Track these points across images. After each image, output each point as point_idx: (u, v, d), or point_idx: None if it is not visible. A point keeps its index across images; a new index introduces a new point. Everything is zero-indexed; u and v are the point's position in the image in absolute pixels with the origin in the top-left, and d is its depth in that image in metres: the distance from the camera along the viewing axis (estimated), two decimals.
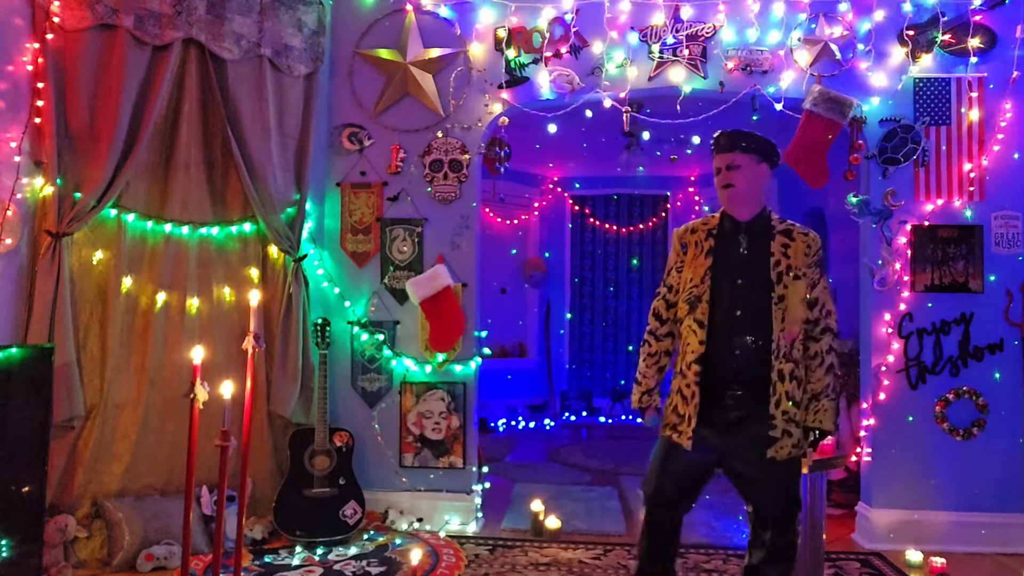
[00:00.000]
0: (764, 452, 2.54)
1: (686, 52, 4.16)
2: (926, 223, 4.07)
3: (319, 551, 3.76)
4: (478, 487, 4.32)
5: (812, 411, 2.63)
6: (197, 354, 2.13)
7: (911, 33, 4.06)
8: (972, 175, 4.06)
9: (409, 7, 4.32)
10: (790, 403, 2.56)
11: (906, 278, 4.08)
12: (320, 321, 4.04)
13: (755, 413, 2.55)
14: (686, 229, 2.78)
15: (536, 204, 8.50)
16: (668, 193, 8.58)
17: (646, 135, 5.17)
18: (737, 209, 2.67)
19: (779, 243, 2.63)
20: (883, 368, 4.08)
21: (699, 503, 2.79)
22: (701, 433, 2.58)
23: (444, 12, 4.33)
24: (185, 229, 3.90)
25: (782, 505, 2.62)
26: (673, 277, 2.77)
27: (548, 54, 4.22)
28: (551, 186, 8.56)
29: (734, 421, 2.57)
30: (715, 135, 2.76)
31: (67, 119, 3.59)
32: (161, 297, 3.83)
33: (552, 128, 4.36)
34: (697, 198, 8.45)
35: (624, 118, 4.22)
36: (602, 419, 8.22)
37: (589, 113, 4.32)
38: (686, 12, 4.18)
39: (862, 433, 4.21)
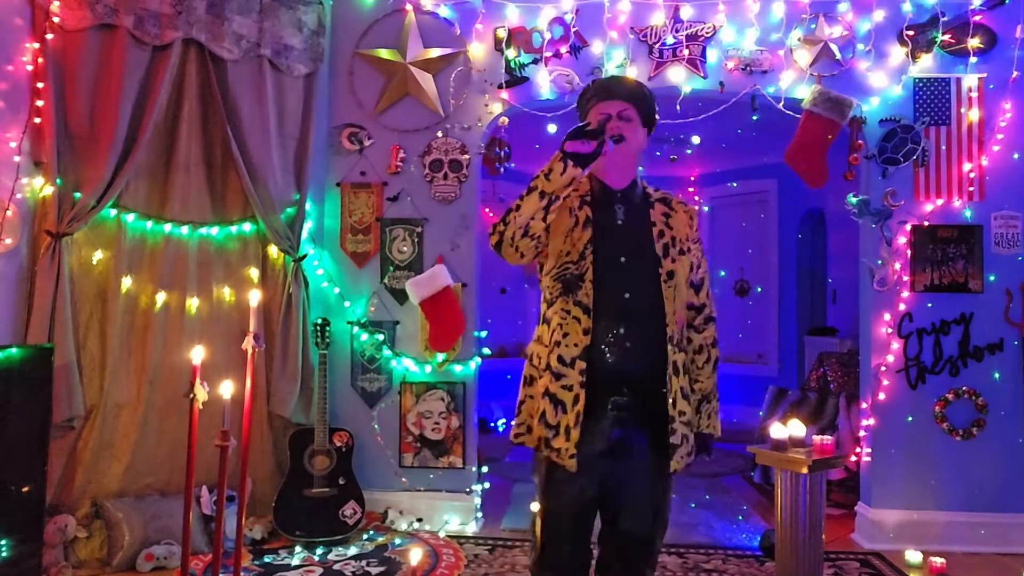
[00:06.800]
0: (660, 467, 2.13)
1: (686, 52, 4.16)
2: (926, 223, 4.07)
3: (319, 551, 3.76)
4: (478, 487, 4.32)
5: (705, 415, 2.28)
6: (197, 354, 2.13)
7: (911, 33, 4.06)
8: (972, 175, 4.06)
9: (409, 7, 4.32)
10: (685, 401, 2.17)
11: (906, 278, 4.08)
12: (320, 321, 4.04)
13: (646, 419, 2.11)
14: None
15: None
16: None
17: None
18: (616, 173, 2.21)
19: (659, 211, 2.23)
20: (883, 368, 4.08)
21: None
22: (585, 452, 2.06)
23: (444, 12, 4.33)
24: (185, 229, 3.90)
25: (658, 530, 2.21)
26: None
27: (548, 54, 4.22)
28: None
29: (619, 435, 2.08)
30: (604, 79, 2.41)
31: (67, 119, 3.59)
32: (161, 297, 3.83)
33: (552, 128, 4.36)
34: (697, 198, 8.45)
35: None
36: None
37: None
38: (686, 12, 4.18)
39: (862, 433, 4.21)
